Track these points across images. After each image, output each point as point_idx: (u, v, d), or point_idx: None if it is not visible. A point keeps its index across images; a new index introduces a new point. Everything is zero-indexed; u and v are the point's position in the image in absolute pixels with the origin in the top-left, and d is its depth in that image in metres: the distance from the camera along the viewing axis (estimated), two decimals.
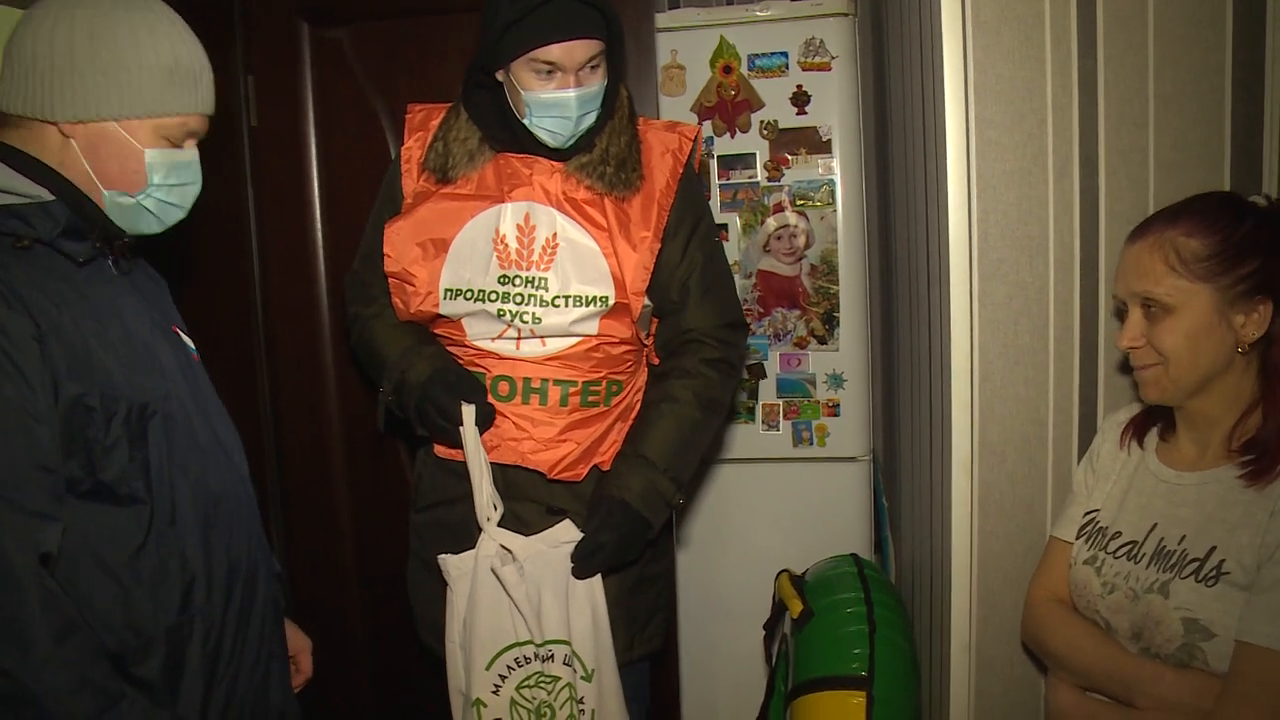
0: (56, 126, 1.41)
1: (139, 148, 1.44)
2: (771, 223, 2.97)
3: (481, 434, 1.95)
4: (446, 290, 1.99)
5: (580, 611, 1.95)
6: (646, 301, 2.03)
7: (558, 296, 1.96)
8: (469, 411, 1.91)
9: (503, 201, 1.98)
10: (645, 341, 2.11)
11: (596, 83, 1.92)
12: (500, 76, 1.94)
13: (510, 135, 1.98)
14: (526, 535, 1.98)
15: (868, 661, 2.06)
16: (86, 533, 1.36)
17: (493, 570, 1.92)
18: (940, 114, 1.70)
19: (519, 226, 1.97)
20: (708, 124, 2.97)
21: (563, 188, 1.99)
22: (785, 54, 2.92)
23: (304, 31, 2.80)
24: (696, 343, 2.09)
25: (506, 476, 2.03)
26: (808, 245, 2.96)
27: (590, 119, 1.95)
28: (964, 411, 1.71)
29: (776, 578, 2.48)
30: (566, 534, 1.96)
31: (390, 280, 2.03)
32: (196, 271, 2.72)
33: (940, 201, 1.74)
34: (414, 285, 2.00)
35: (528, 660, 1.95)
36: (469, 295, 1.98)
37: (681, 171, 2.05)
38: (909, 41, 2.13)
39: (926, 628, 2.10)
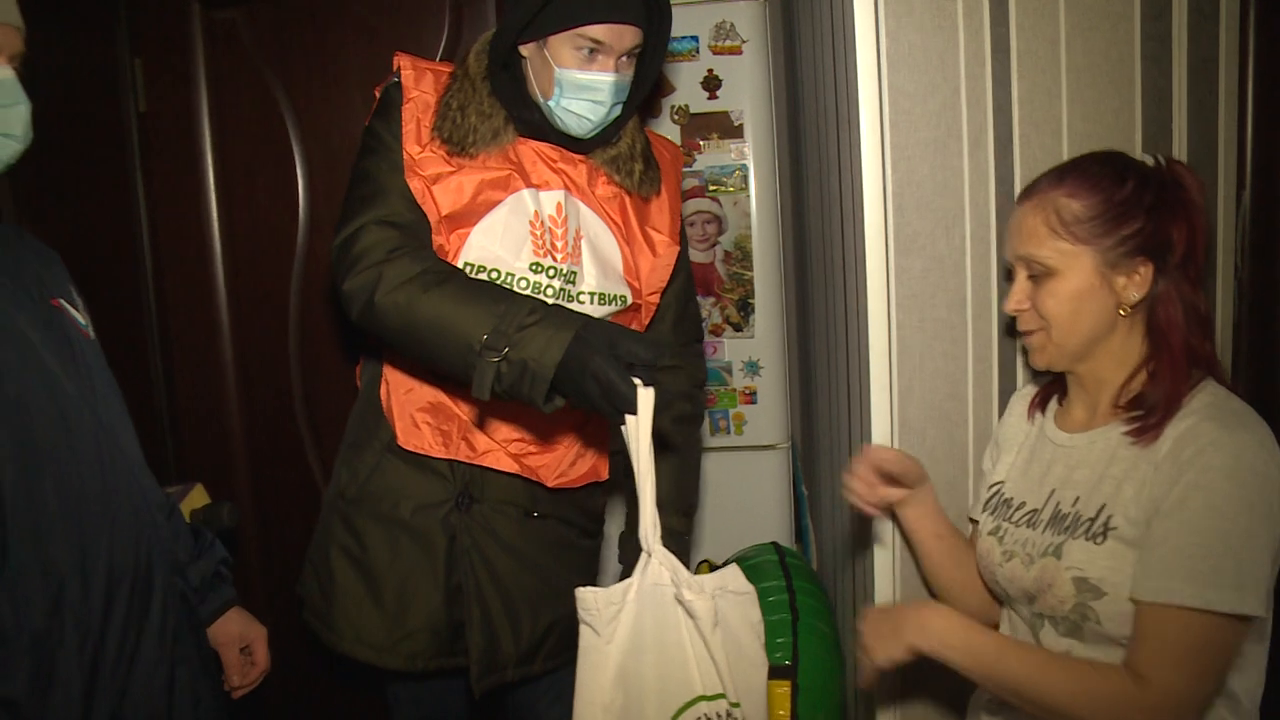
0: None
1: None
2: (685, 208, 2.91)
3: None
4: (467, 264, 1.83)
5: (757, 668, 1.58)
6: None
7: (583, 292, 1.88)
8: (646, 396, 1.48)
9: (537, 187, 1.87)
10: None
11: (629, 74, 1.84)
12: (527, 51, 1.83)
13: (531, 119, 1.87)
14: (501, 544, 1.93)
15: (791, 650, 2.02)
16: None
17: (679, 601, 1.51)
18: (853, 85, 1.66)
19: (551, 216, 1.87)
20: None
21: (587, 181, 1.91)
22: (695, 38, 2.88)
23: (195, 11, 2.67)
24: (673, 369, 2.09)
25: (485, 478, 1.94)
26: (721, 231, 2.92)
27: (617, 111, 1.87)
28: (882, 389, 1.67)
29: (696, 568, 2.43)
30: (735, 582, 1.55)
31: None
32: (81, 267, 2.59)
33: (854, 175, 1.70)
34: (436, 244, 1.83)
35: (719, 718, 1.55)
36: (494, 275, 1.83)
37: (681, 180, 2.04)
38: (820, 18, 2.09)
39: (850, 614, 2.06)
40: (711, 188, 2.91)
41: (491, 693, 2.03)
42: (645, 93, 1.93)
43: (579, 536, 2.10)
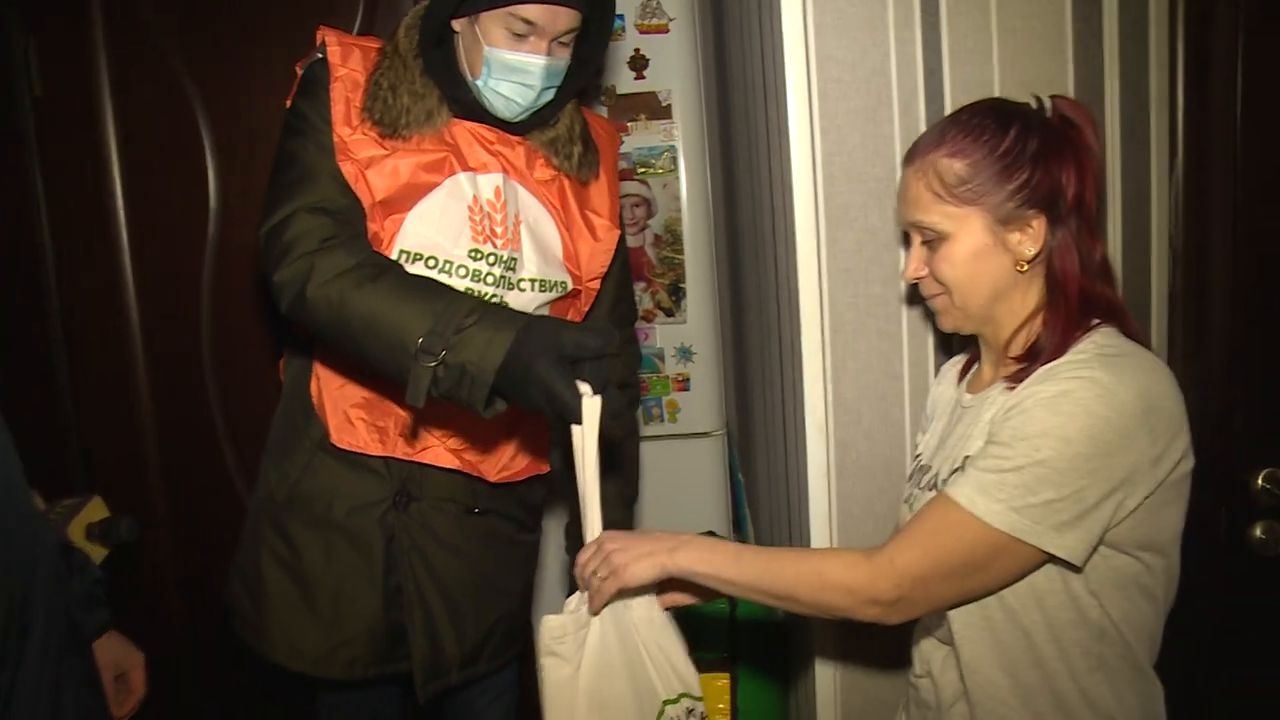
0: None
1: None
2: None
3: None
4: (402, 252, 1.74)
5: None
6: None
7: (524, 279, 1.80)
8: (592, 406, 1.39)
9: (474, 170, 1.78)
10: None
11: (564, 58, 1.77)
12: (459, 27, 1.75)
13: (467, 99, 1.78)
14: (441, 543, 1.88)
15: (730, 642, 1.96)
16: None
17: (626, 610, 1.44)
18: (780, 52, 1.60)
19: (490, 201, 1.78)
20: None
21: (525, 164, 1.83)
22: (621, 16, 2.80)
23: None
24: (611, 357, 2.01)
25: (425, 475, 1.87)
26: (650, 215, 2.86)
27: (549, 95, 1.79)
28: (815, 368, 1.61)
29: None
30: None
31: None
32: None
33: (783, 146, 1.64)
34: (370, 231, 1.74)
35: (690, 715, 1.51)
36: (431, 263, 1.75)
37: (617, 163, 1.99)
38: None
39: None
40: (640, 170, 2.84)
41: (432, 702, 1.95)
42: (585, 78, 1.87)
43: (518, 531, 2.04)
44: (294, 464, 1.91)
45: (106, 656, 1.72)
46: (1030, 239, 1.26)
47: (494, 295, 1.77)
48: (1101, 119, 1.59)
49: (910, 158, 1.32)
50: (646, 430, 2.89)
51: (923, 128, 1.56)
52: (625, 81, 2.82)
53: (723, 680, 1.95)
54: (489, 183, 1.78)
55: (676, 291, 2.86)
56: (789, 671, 2.03)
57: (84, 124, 2.58)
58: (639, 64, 2.81)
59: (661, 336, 2.89)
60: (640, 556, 1.30)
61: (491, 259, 1.77)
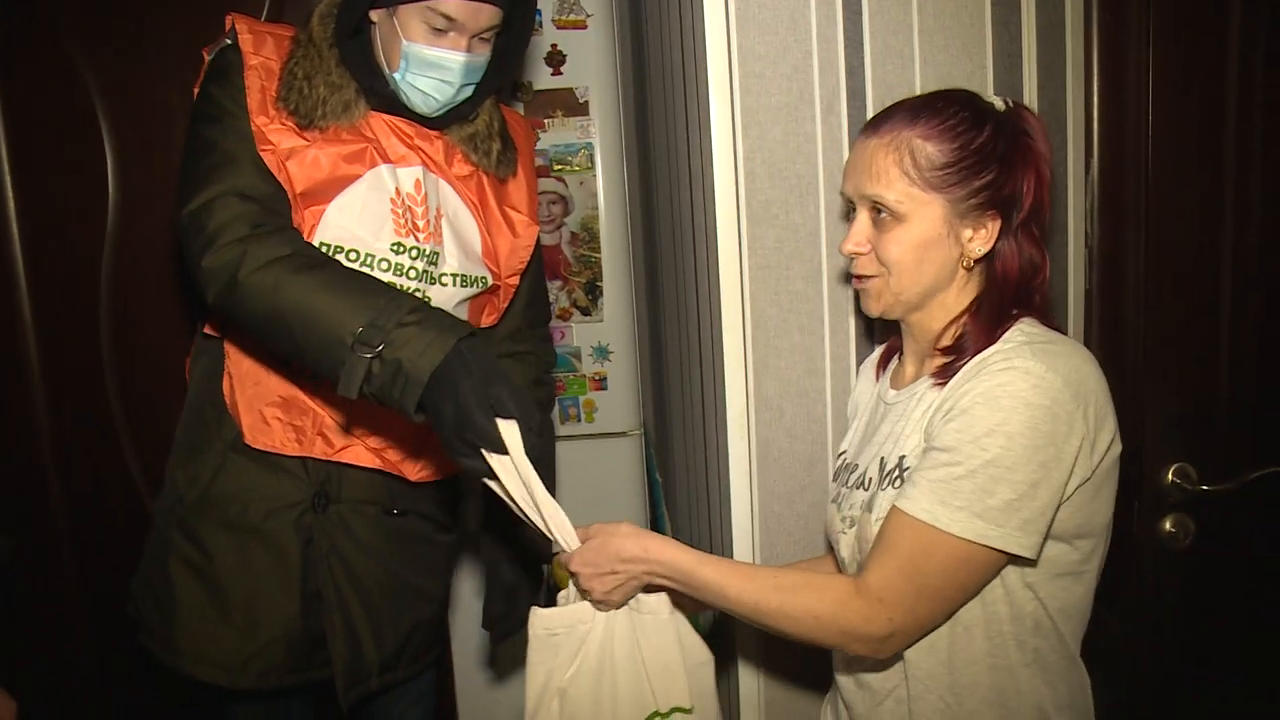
0: None
1: None
2: None
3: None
4: (323, 244, 1.68)
5: (703, 666, 1.45)
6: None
7: (445, 274, 1.76)
8: (510, 429, 1.36)
9: (395, 164, 1.73)
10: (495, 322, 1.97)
11: (484, 55, 1.73)
12: (377, 18, 1.70)
13: (385, 91, 1.73)
14: (360, 545, 1.83)
15: None
16: None
17: (633, 610, 1.39)
18: (701, 48, 1.58)
19: (410, 195, 1.73)
20: None
21: (444, 158, 1.78)
22: (539, 11, 2.74)
23: None
24: (523, 355, 2.02)
25: (343, 475, 1.82)
26: (567, 213, 2.83)
27: (468, 92, 1.76)
28: (737, 365, 1.60)
29: (550, 560, 2.33)
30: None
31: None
32: None
33: (704, 142, 1.62)
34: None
35: None
36: (352, 256, 1.69)
37: (534, 159, 1.97)
38: None
39: None
40: (556, 167, 2.80)
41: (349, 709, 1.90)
42: (506, 75, 1.84)
43: (436, 531, 2.00)
44: (205, 466, 1.84)
45: None
46: (981, 239, 1.25)
47: (416, 289, 1.73)
48: None
49: (875, 129, 1.28)
50: (563, 430, 2.86)
51: (845, 125, 1.56)
52: (542, 78, 2.79)
53: None
54: (409, 175, 1.74)
55: (593, 290, 2.83)
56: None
57: None
58: (556, 60, 2.78)
59: (578, 335, 2.86)
60: (604, 570, 1.32)
61: (414, 252, 1.73)
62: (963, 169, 1.22)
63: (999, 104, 1.28)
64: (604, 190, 2.82)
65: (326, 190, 1.68)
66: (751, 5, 1.54)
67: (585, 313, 2.84)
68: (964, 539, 1.14)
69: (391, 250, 1.71)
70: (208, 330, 1.85)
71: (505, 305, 1.94)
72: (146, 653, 1.89)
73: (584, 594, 1.37)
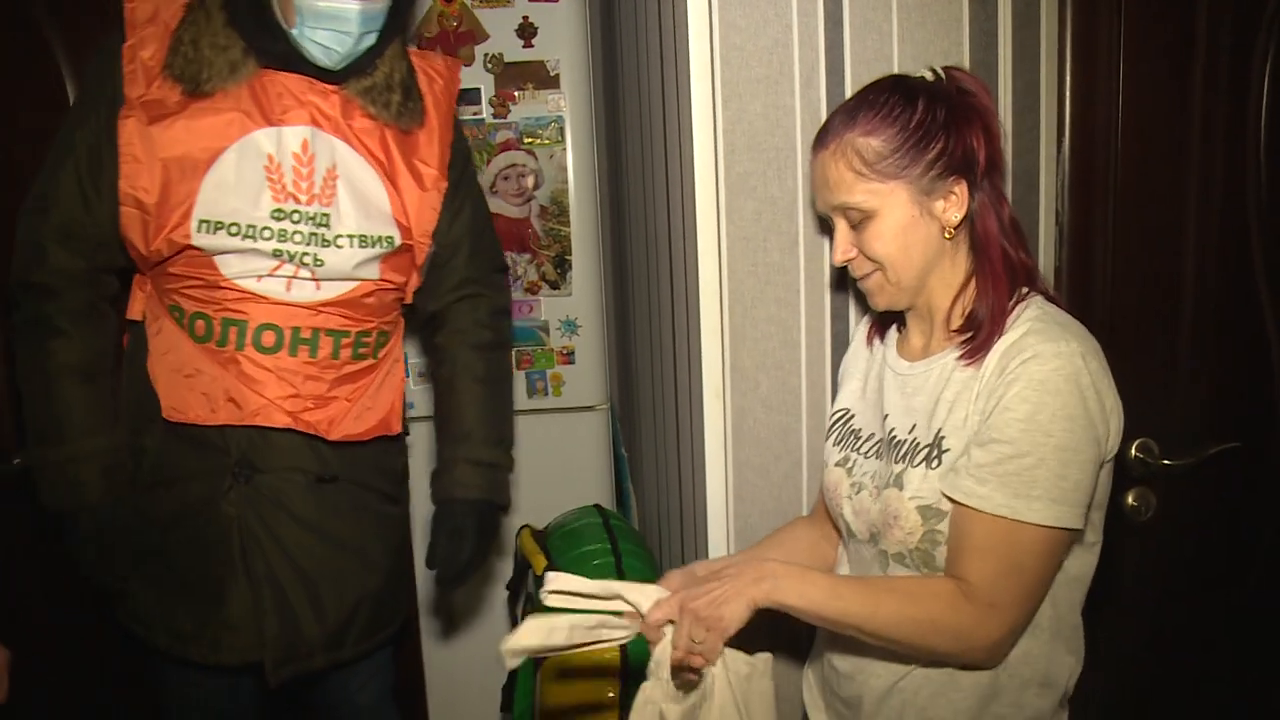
0: None
1: None
2: (499, 161, 2.80)
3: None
4: (202, 222, 1.68)
5: None
6: (431, 244, 1.87)
7: (341, 235, 1.74)
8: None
9: (275, 124, 1.71)
10: (419, 281, 1.94)
11: (381, 3, 1.70)
12: None
13: (278, 49, 1.71)
14: (292, 516, 1.81)
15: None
16: None
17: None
18: (682, 21, 1.59)
19: (296, 155, 1.71)
20: None
21: (341, 113, 1.75)
22: None
23: None
24: (474, 297, 1.99)
25: (266, 442, 1.79)
26: (536, 186, 2.82)
27: (370, 40, 1.73)
28: (714, 336, 1.61)
29: (518, 534, 2.34)
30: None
31: (123, 210, 1.69)
32: None
33: (683, 114, 1.63)
34: (155, 214, 1.67)
35: None
36: (233, 230, 1.69)
37: (455, 107, 1.91)
38: None
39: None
40: (526, 140, 2.79)
41: (296, 688, 1.88)
42: (404, 19, 1.82)
43: (380, 502, 1.97)
44: (141, 451, 1.84)
45: None
46: (954, 205, 1.27)
47: (306, 254, 1.73)
48: (996, 99, 1.62)
49: (823, 142, 1.31)
50: (530, 404, 2.86)
51: (824, 99, 1.58)
52: (513, 50, 2.77)
53: (612, 653, 1.94)
54: (295, 136, 1.73)
55: (562, 264, 2.83)
56: None
57: None
58: (528, 32, 2.77)
59: (546, 309, 2.85)
60: (729, 598, 1.23)
61: (296, 216, 1.72)
62: (909, 149, 1.25)
63: (928, 74, 1.32)
64: (574, 164, 2.81)
65: (196, 165, 1.68)
66: None
67: (554, 286, 2.84)
68: (1047, 526, 1.17)
69: (273, 217, 1.71)
70: (131, 317, 1.85)
71: (425, 262, 1.90)
72: (125, 626, 1.89)
73: (682, 663, 1.26)
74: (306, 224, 1.72)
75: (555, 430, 2.87)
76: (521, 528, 2.34)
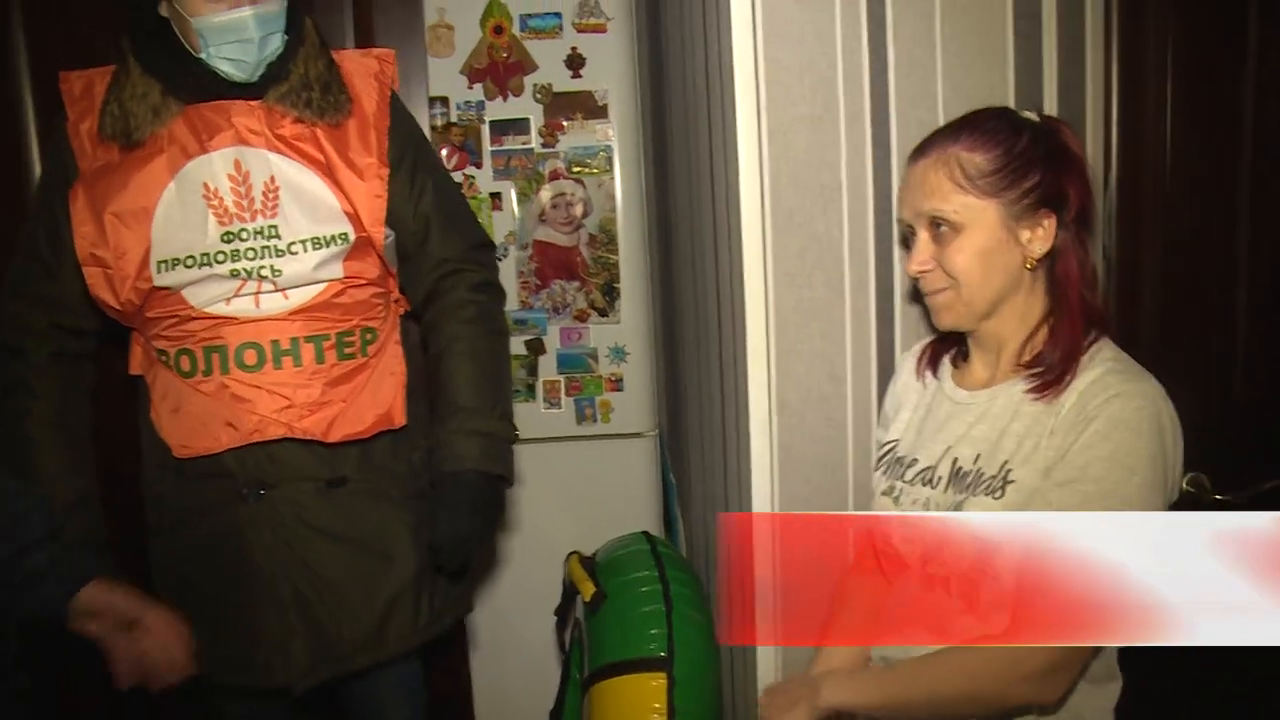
0: None
1: None
2: (547, 191, 2.83)
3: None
4: (160, 263, 1.74)
5: None
6: (389, 231, 1.88)
7: (293, 242, 1.77)
8: None
9: (204, 153, 1.76)
10: (390, 272, 1.95)
11: (275, 3, 1.74)
12: (166, 12, 1.74)
13: (194, 81, 1.76)
14: (309, 527, 1.82)
15: (666, 641, 1.96)
16: None
17: None
18: (728, 59, 1.61)
19: (230, 176, 1.76)
20: (479, 87, 2.80)
21: (267, 125, 1.79)
22: (559, 14, 2.79)
23: None
24: (455, 274, 1.98)
25: (270, 457, 1.83)
26: (585, 214, 2.85)
27: (275, 42, 1.77)
28: (760, 371, 1.63)
29: (566, 560, 2.35)
30: None
31: (87, 271, 1.75)
32: None
33: (729, 150, 1.65)
34: (116, 267, 1.74)
35: None
36: (189, 262, 1.74)
37: (390, 94, 1.91)
38: None
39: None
40: (575, 169, 2.83)
41: (332, 704, 1.90)
42: (303, 17, 1.84)
43: (401, 497, 1.98)
44: (163, 493, 1.90)
45: (103, 604, 1.61)
46: (1040, 238, 1.30)
47: (262, 267, 1.76)
48: None
49: (923, 152, 1.34)
50: (579, 430, 2.88)
51: (869, 136, 1.59)
52: (562, 80, 2.81)
53: (659, 680, 1.94)
54: (225, 158, 1.77)
55: (610, 291, 2.86)
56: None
57: None
58: (576, 63, 2.80)
59: (595, 336, 2.88)
60: (786, 707, 1.32)
61: (244, 234, 1.76)
62: (1010, 172, 1.28)
63: (1033, 116, 1.34)
64: (622, 193, 2.84)
65: (142, 211, 1.74)
66: (778, 18, 1.57)
67: (602, 314, 2.87)
68: None
69: (223, 240, 1.76)
70: (132, 372, 1.92)
71: (385, 251, 1.91)
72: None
73: None
74: (255, 239, 1.76)
75: (604, 457, 2.89)
76: (570, 554, 2.36)
